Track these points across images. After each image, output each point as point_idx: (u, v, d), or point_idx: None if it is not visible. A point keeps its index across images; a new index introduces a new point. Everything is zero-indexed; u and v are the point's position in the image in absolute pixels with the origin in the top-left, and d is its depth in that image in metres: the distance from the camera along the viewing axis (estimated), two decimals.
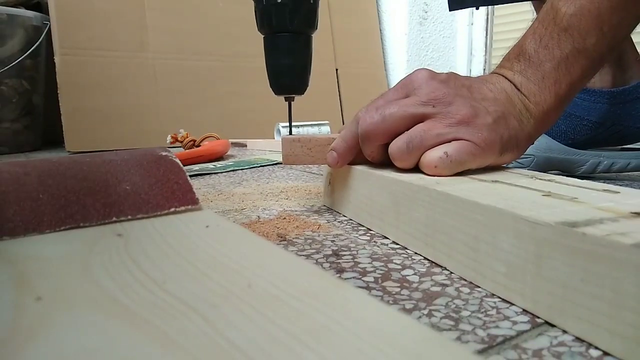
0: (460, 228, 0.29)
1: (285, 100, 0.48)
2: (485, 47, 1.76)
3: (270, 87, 0.48)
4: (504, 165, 0.39)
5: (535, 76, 0.38)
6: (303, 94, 0.48)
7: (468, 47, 1.81)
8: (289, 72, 0.47)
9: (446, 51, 1.82)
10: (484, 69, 1.77)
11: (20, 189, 0.27)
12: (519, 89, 0.38)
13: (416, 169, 0.37)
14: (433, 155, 0.35)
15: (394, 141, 0.37)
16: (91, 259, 0.22)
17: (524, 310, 0.24)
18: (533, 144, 0.41)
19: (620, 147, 0.68)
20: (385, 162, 0.39)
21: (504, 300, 0.26)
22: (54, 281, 0.19)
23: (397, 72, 1.76)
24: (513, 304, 0.25)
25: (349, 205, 0.43)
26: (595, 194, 0.29)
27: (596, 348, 0.21)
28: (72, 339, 0.15)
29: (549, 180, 0.34)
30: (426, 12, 1.76)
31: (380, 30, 1.78)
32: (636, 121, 0.62)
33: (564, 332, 0.22)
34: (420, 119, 0.36)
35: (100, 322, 0.16)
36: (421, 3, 1.74)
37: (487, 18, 1.75)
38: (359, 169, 0.41)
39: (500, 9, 1.72)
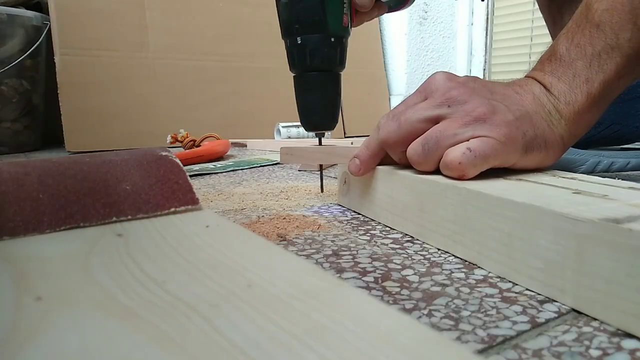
0: (493, 225, 0.29)
1: (316, 136, 0.51)
2: (485, 47, 1.76)
3: (301, 123, 0.50)
4: (532, 167, 0.37)
5: (566, 75, 0.37)
6: (333, 129, 0.51)
7: (468, 47, 1.81)
8: (319, 109, 0.49)
9: (446, 51, 1.82)
10: (484, 69, 1.77)
11: (20, 189, 0.27)
12: (548, 90, 0.37)
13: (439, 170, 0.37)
14: (456, 152, 0.34)
15: (410, 145, 0.36)
16: (91, 259, 0.22)
17: (524, 309, 0.24)
18: (568, 149, 0.39)
19: (619, 146, 0.68)
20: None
21: (503, 300, 0.26)
22: (54, 281, 0.19)
23: (397, 72, 1.76)
24: (514, 304, 0.25)
25: (367, 204, 0.44)
26: (623, 191, 0.29)
27: (596, 348, 0.21)
28: (72, 339, 0.15)
29: (571, 178, 0.34)
30: (426, 12, 1.76)
31: (380, 30, 1.78)
32: (635, 120, 0.62)
33: (564, 332, 0.22)
34: (436, 120, 0.36)
35: (100, 322, 0.16)
36: (421, 3, 1.74)
37: (487, 18, 1.75)
38: (379, 168, 0.41)
39: (500, 9, 1.72)
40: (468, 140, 0.34)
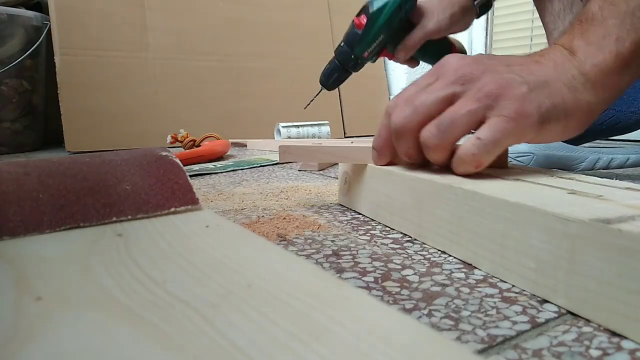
0: (487, 225, 0.29)
1: None
2: (485, 47, 1.76)
3: None
4: (552, 140, 0.36)
5: (595, 35, 0.36)
6: None
7: (468, 47, 1.81)
8: None
9: None
10: None
11: (20, 189, 0.27)
12: (573, 54, 0.36)
13: (438, 170, 0.37)
14: (467, 145, 0.33)
15: (424, 129, 0.35)
16: (91, 259, 0.22)
17: (524, 309, 0.24)
18: (597, 117, 0.37)
19: (618, 140, 0.68)
20: (423, 162, 0.38)
21: (503, 300, 0.26)
22: (54, 281, 0.19)
23: (397, 71, 1.76)
24: (514, 304, 0.25)
25: (367, 204, 0.44)
26: (619, 192, 0.29)
27: (596, 348, 0.21)
28: (72, 339, 0.15)
29: (569, 178, 0.34)
30: None
31: None
32: (629, 105, 0.62)
33: (564, 332, 0.22)
34: (451, 100, 0.35)
35: (101, 322, 0.16)
36: None
37: (487, 18, 1.75)
38: (379, 167, 0.41)
39: (500, 9, 1.72)
40: (482, 118, 0.33)
